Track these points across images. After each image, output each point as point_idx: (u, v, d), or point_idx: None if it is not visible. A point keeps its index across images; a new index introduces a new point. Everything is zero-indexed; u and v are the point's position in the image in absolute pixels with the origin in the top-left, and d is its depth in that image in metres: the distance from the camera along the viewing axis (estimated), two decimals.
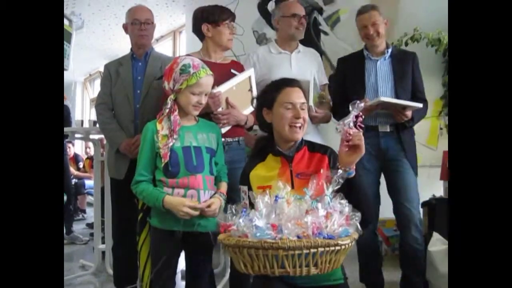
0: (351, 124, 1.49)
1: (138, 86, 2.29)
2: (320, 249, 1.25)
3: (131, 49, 2.39)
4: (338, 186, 1.44)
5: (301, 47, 2.63)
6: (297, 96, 1.66)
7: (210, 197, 1.76)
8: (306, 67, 2.54)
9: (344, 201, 1.37)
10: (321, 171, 1.53)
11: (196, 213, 1.67)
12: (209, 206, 1.70)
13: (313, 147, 1.70)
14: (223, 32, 2.18)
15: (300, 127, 1.65)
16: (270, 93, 1.71)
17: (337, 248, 1.27)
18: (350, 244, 1.31)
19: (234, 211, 1.38)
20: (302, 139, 1.71)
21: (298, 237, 1.26)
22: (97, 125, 2.53)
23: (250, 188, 1.60)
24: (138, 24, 2.31)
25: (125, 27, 2.40)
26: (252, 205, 1.41)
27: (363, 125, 1.50)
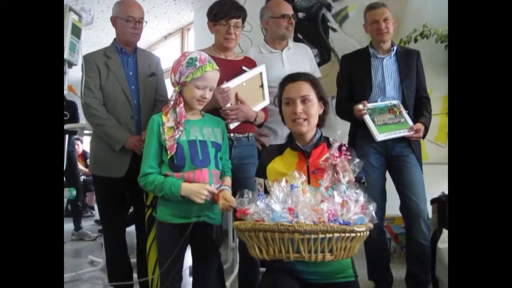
0: (336, 154, 1.47)
1: (132, 82, 2.24)
2: (336, 235, 1.26)
3: (117, 42, 2.30)
4: (354, 175, 1.44)
5: (291, 43, 2.66)
6: (296, 90, 1.66)
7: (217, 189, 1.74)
8: (298, 63, 2.55)
9: (359, 191, 1.37)
10: (337, 160, 1.51)
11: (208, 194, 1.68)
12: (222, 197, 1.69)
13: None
14: (219, 31, 2.15)
15: (304, 120, 1.64)
16: (278, 92, 1.74)
17: (353, 235, 1.27)
18: (365, 232, 1.31)
19: (250, 197, 1.38)
20: (322, 134, 1.71)
21: (314, 222, 1.26)
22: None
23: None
24: (133, 22, 2.22)
25: (113, 20, 2.29)
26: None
27: (349, 154, 1.49)
